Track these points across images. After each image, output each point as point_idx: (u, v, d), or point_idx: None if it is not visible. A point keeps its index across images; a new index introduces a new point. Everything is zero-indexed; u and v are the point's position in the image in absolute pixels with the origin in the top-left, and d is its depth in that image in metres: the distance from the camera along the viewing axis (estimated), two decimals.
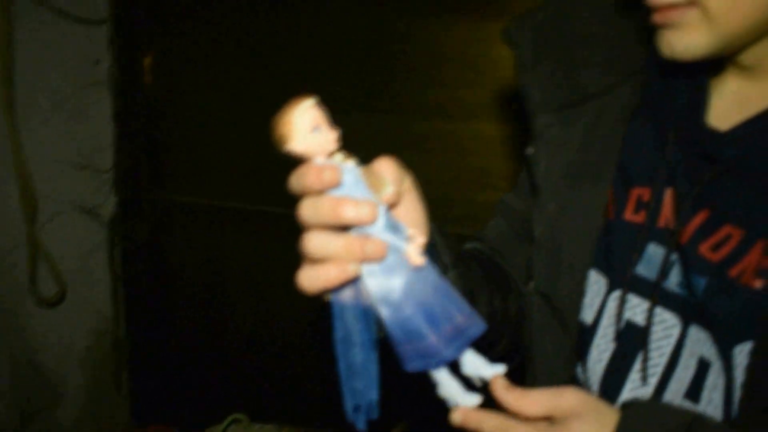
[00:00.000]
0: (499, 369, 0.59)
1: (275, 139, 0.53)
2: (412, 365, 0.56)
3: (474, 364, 0.59)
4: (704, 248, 0.69)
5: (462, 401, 0.58)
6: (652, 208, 0.75)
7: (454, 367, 0.59)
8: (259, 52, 1.81)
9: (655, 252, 0.74)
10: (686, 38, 0.65)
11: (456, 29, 1.62)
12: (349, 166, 0.55)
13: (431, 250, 0.69)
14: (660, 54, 0.67)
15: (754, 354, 0.63)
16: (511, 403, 0.59)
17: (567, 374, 0.81)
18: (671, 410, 0.64)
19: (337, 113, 0.54)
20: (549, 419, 0.59)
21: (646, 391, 0.72)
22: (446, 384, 0.58)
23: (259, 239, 1.93)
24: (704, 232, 0.69)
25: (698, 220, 0.70)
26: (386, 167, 0.58)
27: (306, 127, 0.52)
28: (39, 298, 1.76)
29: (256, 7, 1.79)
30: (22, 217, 1.72)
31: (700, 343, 0.69)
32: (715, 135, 0.70)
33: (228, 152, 1.94)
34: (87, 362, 2.02)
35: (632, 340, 0.74)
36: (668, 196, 0.73)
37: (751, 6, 0.63)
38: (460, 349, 0.57)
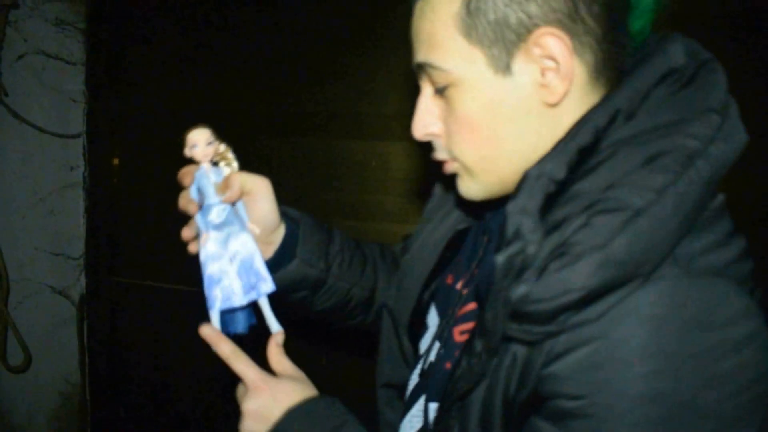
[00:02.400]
0: (278, 329, 0.88)
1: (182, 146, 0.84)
2: (212, 305, 0.85)
3: (268, 316, 0.87)
4: (456, 330, 0.87)
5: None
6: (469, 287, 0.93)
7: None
8: None
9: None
10: (463, 185, 0.80)
11: None
12: (209, 169, 0.86)
13: (290, 240, 0.98)
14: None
15: (438, 410, 0.81)
16: (271, 351, 0.87)
17: (400, 372, 1.01)
18: (338, 410, 0.85)
19: None
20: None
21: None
22: (215, 320, 0.85)
23: (202, 316, 2.18)
24: (465, 318, 0.87)
25: (470, 306, 0.87)
26: (232, 179, 0.86)
27: (194, 142, 0.84)
28: (7, 366, 2.03)
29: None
30: None
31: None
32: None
33: (177, 242, 2.21)
34: (55, 422, 2.27)
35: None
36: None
37: (504, 166, 0.74)
38: (251, 298, 0.85)
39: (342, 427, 0.83)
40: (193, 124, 0.87)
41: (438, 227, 1.00)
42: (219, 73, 2.08)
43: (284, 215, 0.99)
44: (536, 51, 0.68)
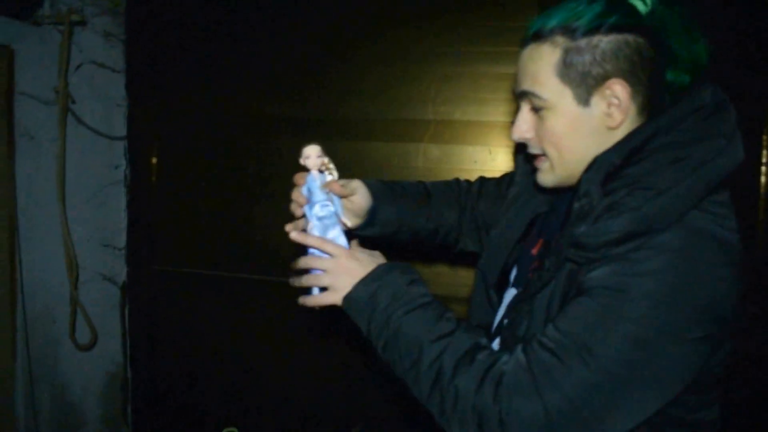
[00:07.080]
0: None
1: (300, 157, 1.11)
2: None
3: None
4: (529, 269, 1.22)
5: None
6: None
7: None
8: (233, 164, 2.42)
9: None
10: (543, 176, 1.08)
11: None
12: (317, 175, 1.11)
13: (370, 220, 1.29)
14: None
15: (515, 297, 1.16)
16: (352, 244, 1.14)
17: (488, 317, 1.27)
18: (413, 269, 1.11)
19: None
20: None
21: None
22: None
23: (233, 299, 2.47)
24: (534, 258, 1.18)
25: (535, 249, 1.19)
26: (331, 185, 1.13)
27: (307, 155, 1.11)
28: (77, 344, 2.25)
29: (237, 128, 2.41)
30: (61, 281, 2.21)
31: None
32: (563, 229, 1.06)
33: (211, 233, 2.48)
34: (103, 398, 2.50)
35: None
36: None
37: (575, 165, 1.01)
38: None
39: (416, 282, 1.09)
40: (305, 139, 1.18)
41: (522, 209, 1.28)
42: (247, 80, 2.39)
43: (370, 194, 1.30)
44: (607, 92, 0.98)
